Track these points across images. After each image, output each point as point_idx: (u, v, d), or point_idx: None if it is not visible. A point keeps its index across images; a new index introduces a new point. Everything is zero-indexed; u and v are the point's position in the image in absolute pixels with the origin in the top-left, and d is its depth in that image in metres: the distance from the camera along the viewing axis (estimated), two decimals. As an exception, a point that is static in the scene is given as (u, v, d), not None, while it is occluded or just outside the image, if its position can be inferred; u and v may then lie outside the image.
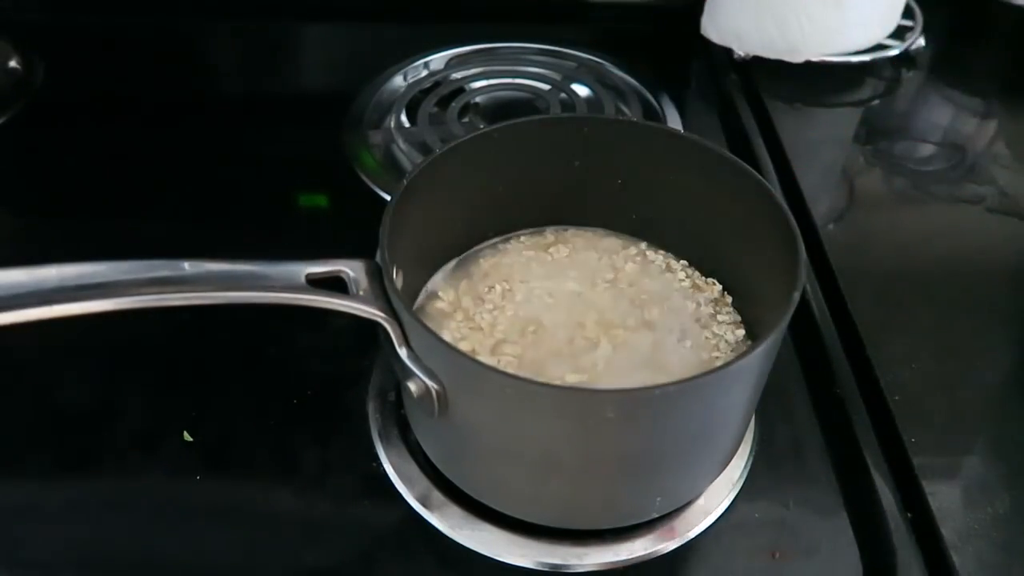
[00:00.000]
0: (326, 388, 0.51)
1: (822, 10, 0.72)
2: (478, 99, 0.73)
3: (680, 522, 0.45)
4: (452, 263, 0.51)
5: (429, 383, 0.38)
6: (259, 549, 0.45)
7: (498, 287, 0.49)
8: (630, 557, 0.44)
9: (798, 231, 0.41)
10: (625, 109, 0.73)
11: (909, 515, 0.45)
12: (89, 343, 0.52)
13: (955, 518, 0.45)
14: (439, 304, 0.48)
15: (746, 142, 0.70)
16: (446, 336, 0.46)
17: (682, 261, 0.51)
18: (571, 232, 0.53)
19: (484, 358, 0.45)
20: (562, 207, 0.53)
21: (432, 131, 0.68)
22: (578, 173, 0.51)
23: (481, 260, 0.51)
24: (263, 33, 0.84)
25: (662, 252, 0.52)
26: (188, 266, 0.38)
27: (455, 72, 0.76)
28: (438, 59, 0.78)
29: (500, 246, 0.52)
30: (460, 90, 0.74)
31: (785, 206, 0.43)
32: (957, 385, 0.51)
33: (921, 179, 0.68)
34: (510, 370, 0.43)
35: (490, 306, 0.48)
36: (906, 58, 0.78)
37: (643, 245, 0.52)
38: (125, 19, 0.83)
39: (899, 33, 0.78)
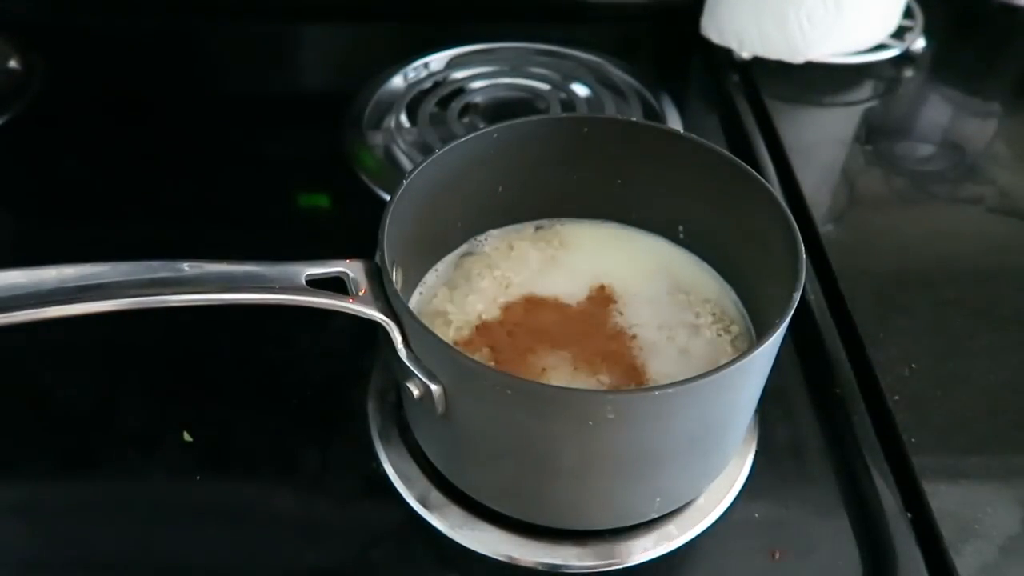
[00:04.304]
0: (326, 388, 0.51)
1: (822, 10, 0.72)
2: (478, 99, 0.73)
3: (680, 522, 0.45)
4: (452, 262, 0.51)
5: (429, 384, 0.38)
6: (259, 549, 0.45)
7: (498, 286, 0.49)
8: (630, 557, 0.44)
9: (798, 231, 0.41)
10: (625, 109, 0.73)
11: (909, 515, 0.46)
12: (89, 344, 0.52)
13: (955, 518, 0.45)
14: (438, 303, 0.48)
15: (746, 142, 0.70)
16: (446, 336, 0.46)
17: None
18: (570, 228, 0.53)
19: (484, 358, 0.45)
20: (562, 207, 0.53)
21: (432, 131, 0.68)
22: (578, 173, 0.51)
23: (481, 259, 0.51)
24: (263, 33, 0.84)
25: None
26: (188, 267, 0.38)
27: (455, 72, 0.76)
28: (438, 59, 0.78)
29: (500, 245, 0.52)
30: (460, 90, 0.74)
31: (785, 206, 0.43)
32: (957, 385, 0.51)
33: (921, 179, 0.68)
34: (509, 368, 0.43)
35: (490, 304, 0.48)
36: (906, 58, 0.78)
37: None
38: (125, 19, 0.83)
39: (899, 33, 0.78)
